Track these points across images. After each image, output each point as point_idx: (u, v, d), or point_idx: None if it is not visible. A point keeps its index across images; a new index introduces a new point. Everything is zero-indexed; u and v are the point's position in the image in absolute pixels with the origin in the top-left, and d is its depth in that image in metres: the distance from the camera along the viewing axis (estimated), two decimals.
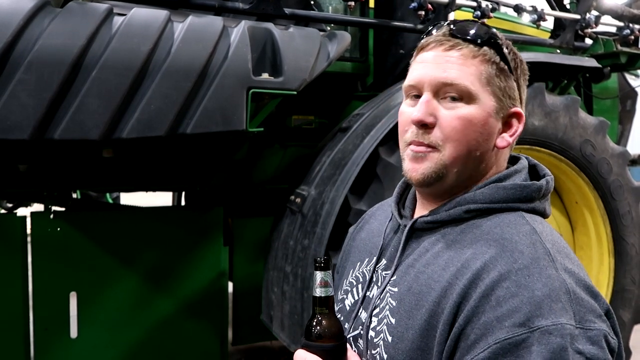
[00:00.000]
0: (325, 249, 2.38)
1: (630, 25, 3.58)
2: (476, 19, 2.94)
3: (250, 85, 2.36)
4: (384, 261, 1.06)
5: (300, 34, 2.55)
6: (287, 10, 2.64)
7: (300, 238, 2.56)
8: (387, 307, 0.98)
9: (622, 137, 4.45)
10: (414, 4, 2.80)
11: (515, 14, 3.43)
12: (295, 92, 2.48)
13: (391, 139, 2.50)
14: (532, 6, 3.29)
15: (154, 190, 3.31)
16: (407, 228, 1.02)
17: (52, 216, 2.79)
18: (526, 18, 3.43)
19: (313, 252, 2.43)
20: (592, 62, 3.16)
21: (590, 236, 3.10)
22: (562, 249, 0.92)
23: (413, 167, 0.97)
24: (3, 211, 3.81)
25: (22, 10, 2.03)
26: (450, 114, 0.95)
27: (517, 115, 1.01)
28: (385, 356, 0.95)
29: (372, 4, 3.28)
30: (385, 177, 2.42)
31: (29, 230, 2.76)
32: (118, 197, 5.60)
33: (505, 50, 0.99)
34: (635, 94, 4.51)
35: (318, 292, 0.96)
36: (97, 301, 2.84)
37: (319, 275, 0.96)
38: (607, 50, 3.51)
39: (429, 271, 0.94)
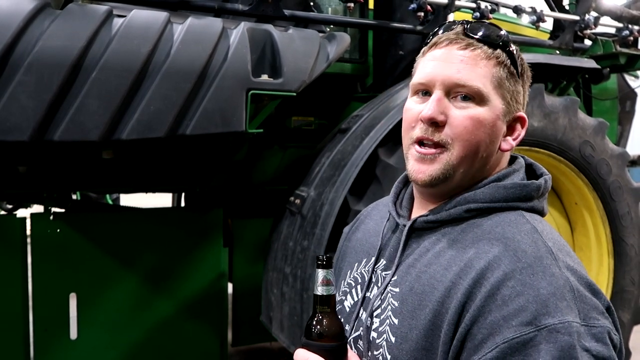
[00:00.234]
0: (325, 249, 2.38)
1: (630, 26, 3.59)
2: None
3: (249, 86, 2.36)
4: (383, 261, 1.06)
5: (300, 36, 2.55)
6: (286, 12, 2.64)
7: (300, 239, 2.57)
8: (389, 307, 0.97)
9: (621, 138, 4.45)
10: (413, 5, 2.80)
11: (514, 15, 3.44)
12: (294, 94, 2.48)
13: (390, 140, 2.50)
14: (532, 7, 3.30)
15: (154, 191, 3.32)
16: (406, 228, 1.02)
17: (51, 217, 2.79)
18: (525, 19, 3.44)
19: (312, 253, 2.43)
20: (591, 63, 3.16)
21: (589, 237, 3.11)
22: (563, 247, 0.92)
23: (419, 169, 0.97)
24: (3, 212, 3.81)
25: (22, 11, 2.03)
26: (462, 114, 0.94)
27: (521, 120, 1.02)
28: (388, 357, 0.94)
29: (371, 5, 3.29)
30: (385, 178, 2.43)
31: (28, 232, 2.76)
32: (118, 198, 5.60)
33: (516, 55, 0.99)
34: (635, 95, 4.52)
35: (320, 290, 0.95)
36: (97, 302, 2.84)
37: (320, 273, 0.95)
38: (607, 52, 3.52)
39: (431, 271, 0.94)
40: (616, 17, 3.70)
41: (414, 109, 0.99)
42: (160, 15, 2.26)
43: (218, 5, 2.57)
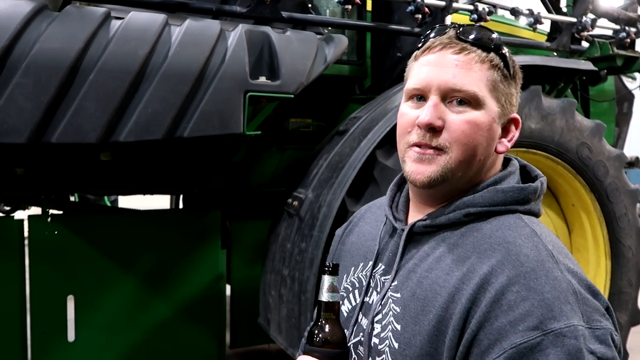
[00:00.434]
0: (323, 251, 2.38)
1: (626, 28, 3.60)
2: (473, 22, 2.96)
3: (247, 88, 2.36)
4: (381, 266, 1.06)
5: (298, 38, 2.55)
6: (284, 14, 2.65)
7: (298, 241, 2.57)
8: (391, 313, 0.97)
9: (618, 140, 4.46)
10: (411, 8, 2.81)
11: (512, 17, 3.45)
12: (292, 96, 2.48)
13: (388, 142, 2.50)
14: (529, 9, 3.31)
15: (152, 193, 3.31)
16: (405, 232, 1.02)
17: (49, 219, 2.78)
18: (523, 21, 3.45)
19: (310, 255, 2.44)
20: (588, 65, 3.17)
21: (587, 238, 3.11)
22: (561, 249, 0.93)
23: (418, 170, 0.96)
24: (0, 214, 3.80)
25: (19, 13, 2.03)
26: (459, 118, 0.94)
27: (515, 121, 1.03)
28: None
29: (369, 7, 3.29)
30: (382, 180, 2.43)
31: (26, 234, 2.75)
32: (116, 200, 5.60)
33: (508, 57, 0.99)
34: (632, 96, 4.52)
35: (326, 297, 0.95)
36: (94, 304, 2.84)
37: (327, 279, 0.95)
38: (604, 53, 3.53)
39: (433, 276, 0.94)
40: (613, 19, 3.72)
41: (409, 114, 0.99)
42: (158, 18, 2.26)
43: (216, 7, 2.57)
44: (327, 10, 3.39)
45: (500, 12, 3.68)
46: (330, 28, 3.11)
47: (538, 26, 3.32)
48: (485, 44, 0.96)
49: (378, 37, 3.34)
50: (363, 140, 2.54)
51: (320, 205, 2.50)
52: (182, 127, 2.26)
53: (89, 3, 2.39)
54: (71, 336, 2.80)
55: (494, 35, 0.98)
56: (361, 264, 1.12)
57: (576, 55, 3.56)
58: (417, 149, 0.97)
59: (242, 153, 3.04)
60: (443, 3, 2.89)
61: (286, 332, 2.57)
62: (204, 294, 3.06)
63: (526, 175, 1.06)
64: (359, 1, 2.67)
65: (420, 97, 0.98)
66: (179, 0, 2.54)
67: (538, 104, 2.73)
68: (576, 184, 2.99)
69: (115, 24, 2.19)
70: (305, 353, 0.96)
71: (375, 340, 0.99)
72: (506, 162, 1.06)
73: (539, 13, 3.29)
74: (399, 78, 3.09)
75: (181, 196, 4.19)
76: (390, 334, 0.96)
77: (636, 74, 4.42)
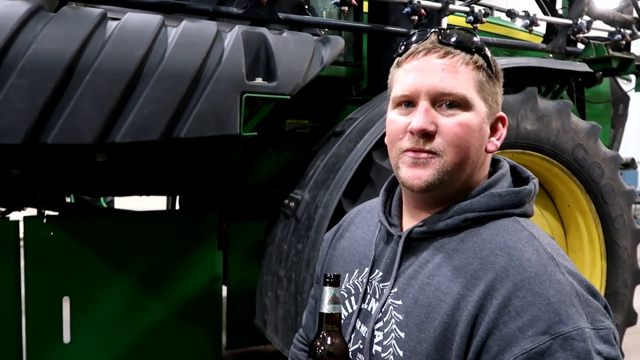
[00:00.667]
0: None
1: (622, 30, 3.62)
2: (470, 24, 2.96)
3: (244, 89, 2.36)
4: (379, 273, 1.05)
5: (294, 39, 2.55)
6: (281, 15, 2.65)
7: (294, 242, 2.56)
8: (393, 320, 0.97)
9: (614, 141, 4.47)
10: (407, 9, 2.81)
11: (508, 19, 3.46)
12: (289, 97, 2.48)
13: (384, 143, 2.50)
14: (525, 11, 3.32)
15: (148, 194, 3.31)
16: (402, 239, 1.01)
17: (45, 220, 2.77)
18: (519, 23, 3.46)
19: (307, 256, 2.44)
20: (584, 67, 3.18)
21: (582, 239, 3.12)
22: (559, 250, 0.95)
23: (414, 175, 0.96)
24: None
25: (15, 14, 2.03)
26: (451, 121, 0.95)
27: (502, 120, 1.04)
28: None
29: (365, 8, 3.29)
30: (379, 181, 2.43)
31: (21, 235, 2.75)
32: (112, 201, 5.58)
33: (490, 57, 1.00)
34: (627, 98, 4.55)
35: (327, 308, 0.94)
36: (90, 306, 2.83)
37: (328, 291, 0.94)
38: (599, 55, 3.54)
39: (435, 282, 0.94)
40: (609, 21, 3.74)
41: (399, 121, 0.99)
42: (154, 18, 2.26)
43: (212, 9, 2.57)
44: (324, 12, 3.39)
45: (496, 13, 3.68)
46: (326, 29, 3.11)
47: (534, 28, 3.33)
48: (468, 46, 0.97)
49: (374, 38, 3.34)
50: (359, 142, 2.54)
51: (317, 206, 2.50)
52: (179, 128, 2.26)
53: (85, 4, 2.39)
54: (67, 338, 2.79)
55: (475, 38, 0.99)
56: (356, 271, 1.11)
57: (572, 57, 3.57)
58: (411, 153, 0.97)
59: (239, 154, 3.04)
60: (439, 5, 2.89)
61: (282, 333, 2.57)
62: (200, 295, 3.05)
63: (516, 176, 1.07)
64: (355, 2, 2.68)
65: (408, 103, 0.98)
66: (176, 1, 2.54)
67: (534, 106, 2.74)
68: (572, 185, 3.00)
69: (111, 24, 2.19)
70: None
71: (377, 348, 0.99)
72: (494, 161, 1.07)
73: (534, 15, 3.30)
74: None
75: (177, 197, 4.19)
76: (394, 341, 0.96)
77: (631, 76, 4.44)
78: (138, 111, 2.17)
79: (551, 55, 3.58)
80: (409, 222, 1.05)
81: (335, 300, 0.94)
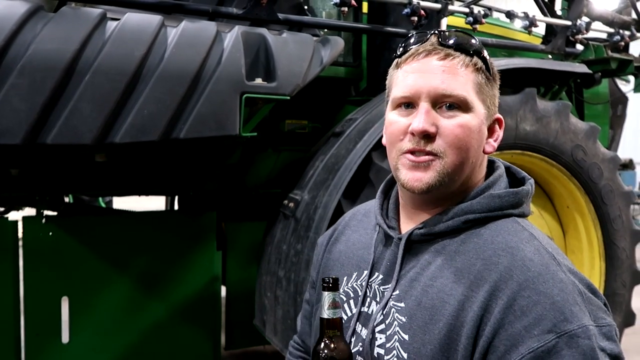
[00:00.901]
0: None
1: (621, 31, 3.62)
2: (469, 25, 2.97)
3: (243, 90, 2.36)
4: (379, 275, 1.05)
5: (294, 39, 2.55)
6: (280, 16, 2.65)
7: (294, 242, 2.56)
8: (396, 323, 0.97)
9: (613, 142, 4.48)
10: (407, 10, 2.81)
11: (507, 20, 3.46)
12: (288, 97, 2.48)
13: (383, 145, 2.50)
14: (524, 12, 3.32)
15: (147, 194, 3.31)
16: (403, 241, 1.02)
17: (44, 220, 2.77)
18: (518, 24, 3.46)
19: (306, 256, 2.44)
20: (583, 68, 3.18)
21: (581, 240, 3.13)
22: (557, 249, 0.96)
23: (415, 177, 0.97)
24: None
25: (15, 14, 2.02)
26: (452, 123, 0.95)
27: (499, 122, 1.05)
28: None
29: (365, 9, 3.30)
30: (378, 182, 2.42)
31: (20, 235, 2.74)
32: (111, 202, 5.58)
33: (488, 60, 1.01)
34: (626, 99, 4.56)
35: (327, 313, 0.94)
36: (89, 306, 2.82)
37: (328, 296, 0.94)
38: (598, 56, 3.55)
39: (438, 284, 0.94)
40: (607, 22, 3.74)
41: (399, 122, 0.99)
42: (154, 19, 2.26)
43: (212, 9, 2.57)
44: (323, 12, 3.40)
45: (495, 14, 3.69)
46: (326, 30, 3.11)
47: (533, 29, 3.33)
48: (467, 48, 0.98)
49: (374, 39, 3.34)
50: (359, 142, 2.55)
51: (316, 207, 2.50)
52: (178, 129, 2.26)
53: (84, 4, 2.39)
54: (65, 338, 2.79)
55: (474, 40, 1.00)
56: (355, 274, 1.11)
57: (571, 58, 3.58)
58: (410, 156, 0.97)
59: (238, 154, 3.04)
60: (439, 6, 2.89)
61: (282, 333, 2.57)
62: (200, 295, 3.05)
63: (511, 177, 1.08)
64: (354, 3, 2.68)
65: (408, 104, 0.98)
66: (175, 1, 2.54)
67: (533, 107, 2.75)
68: (571, 186, 3.00)
69: (111, 25, 2.19)
70: None
71: (379, 350, 0.99)
72: (489, 162, 1.08)
73: (534, 16, 3.31)
74: None
75: (177, 197, 4.19)
76: (397, 344, 0.96)
77: (630, 77, 4.45)
78: (137, 111, 2.17)
79: (550, 56, 3.59)
80: (406, 224, 1.05)
81: (335, 305, 0.94)
